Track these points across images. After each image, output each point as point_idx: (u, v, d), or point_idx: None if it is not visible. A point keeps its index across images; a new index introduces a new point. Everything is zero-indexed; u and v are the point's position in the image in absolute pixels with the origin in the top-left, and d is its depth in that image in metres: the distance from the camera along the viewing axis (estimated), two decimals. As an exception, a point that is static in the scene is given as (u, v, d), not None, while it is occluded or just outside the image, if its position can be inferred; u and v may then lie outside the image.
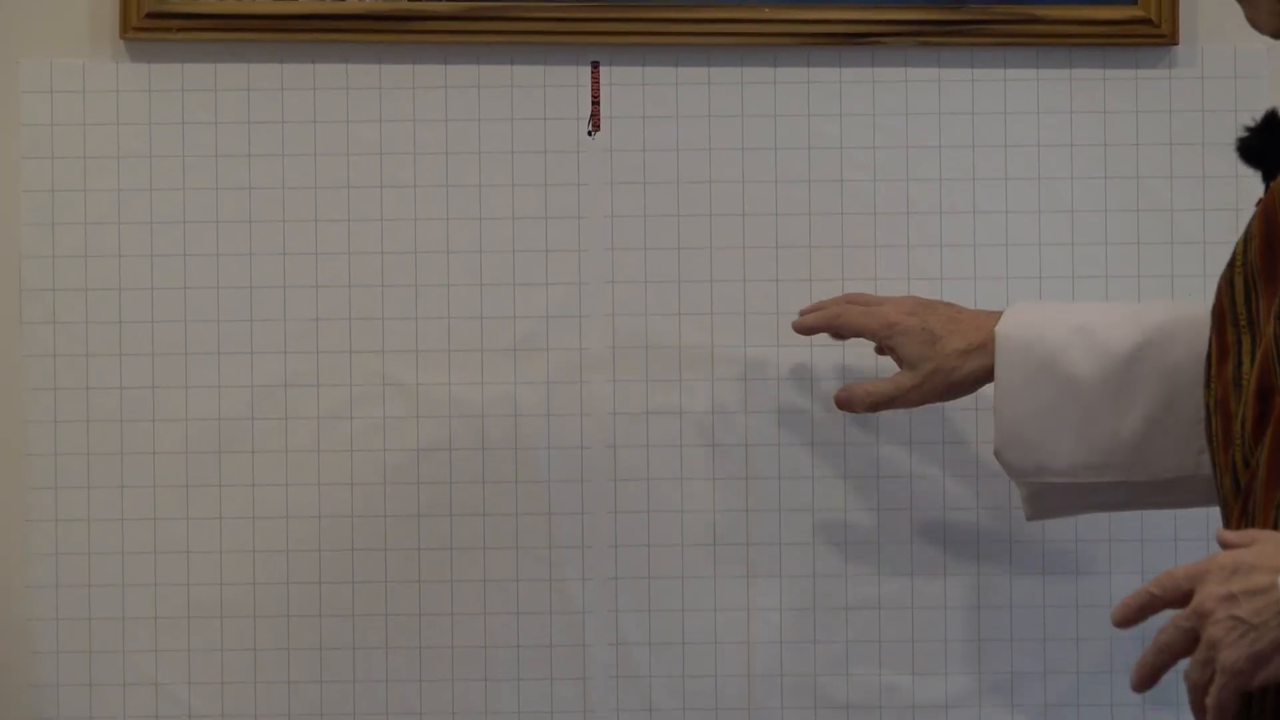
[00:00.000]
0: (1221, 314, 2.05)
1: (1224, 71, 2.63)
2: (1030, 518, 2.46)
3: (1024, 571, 2.64)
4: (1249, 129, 2.18)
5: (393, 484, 2.59)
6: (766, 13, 2.58)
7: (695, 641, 2.61)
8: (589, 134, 2.61)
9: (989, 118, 2.64)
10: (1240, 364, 2.01)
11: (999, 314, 2.44)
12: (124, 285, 2.59)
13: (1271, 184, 2.04)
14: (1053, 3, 2.61)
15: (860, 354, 2.61)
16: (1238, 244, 2.06)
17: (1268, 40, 2.67)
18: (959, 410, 2.61)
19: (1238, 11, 2.61)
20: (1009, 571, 2.62)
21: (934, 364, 2.46)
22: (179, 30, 2.56)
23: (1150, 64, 2.63)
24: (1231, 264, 2.05)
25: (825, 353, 2.60)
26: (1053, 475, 2.38)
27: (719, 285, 2.61)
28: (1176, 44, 2.62)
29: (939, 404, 2.53)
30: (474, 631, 2.59)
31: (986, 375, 2.45)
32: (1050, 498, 2.41)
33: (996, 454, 2.42)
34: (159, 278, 2.59)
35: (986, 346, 2.43)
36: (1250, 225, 2.04)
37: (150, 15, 2.53)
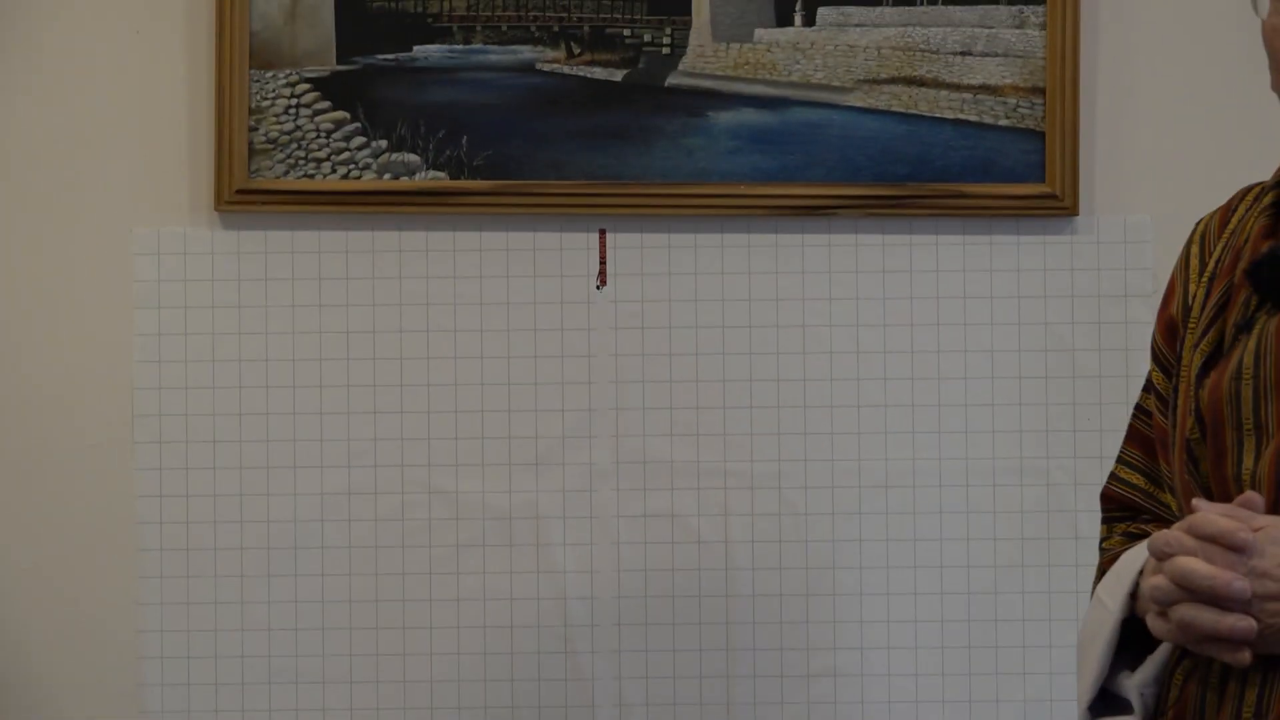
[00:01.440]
0: (1221, 421, 1.98)
1: (1116, 237, 2.84)
2: None
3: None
4: (1257, 263, 2.02)
5: (437, 574, 2.83)
6: (743, 189, 2.83)
7: (684, 703, 2.86)
8: (597, 288, 2.85)
9: (924, 275, 2.86)
10: (1240, 461, 1.96)
11: None
12: (217, 411, 2.82)
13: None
14: (976, 181, 2.84)
15: (823, 467, 2.85)
16: (1245, 359, 1.98)
17: (1152, 211, 2.86)
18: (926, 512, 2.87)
19: (1129, 187, 2.77)
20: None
21: None
22: (263, 204, 2.81)
23: (1055, 231, 2.85)
24: (1239, 376, 1.98)
25: (792, 466, 2.85)
26: None
27: (704, 412, 2.85)
28: (1077, 215, 2.83)
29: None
30: (503, 694, 2.84)
31: None
32: None
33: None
34: (246, 405, 2.82)
35: None
36: (1262, 343, 1.97)
37: (239, 191, 2.79)
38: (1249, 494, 1.86)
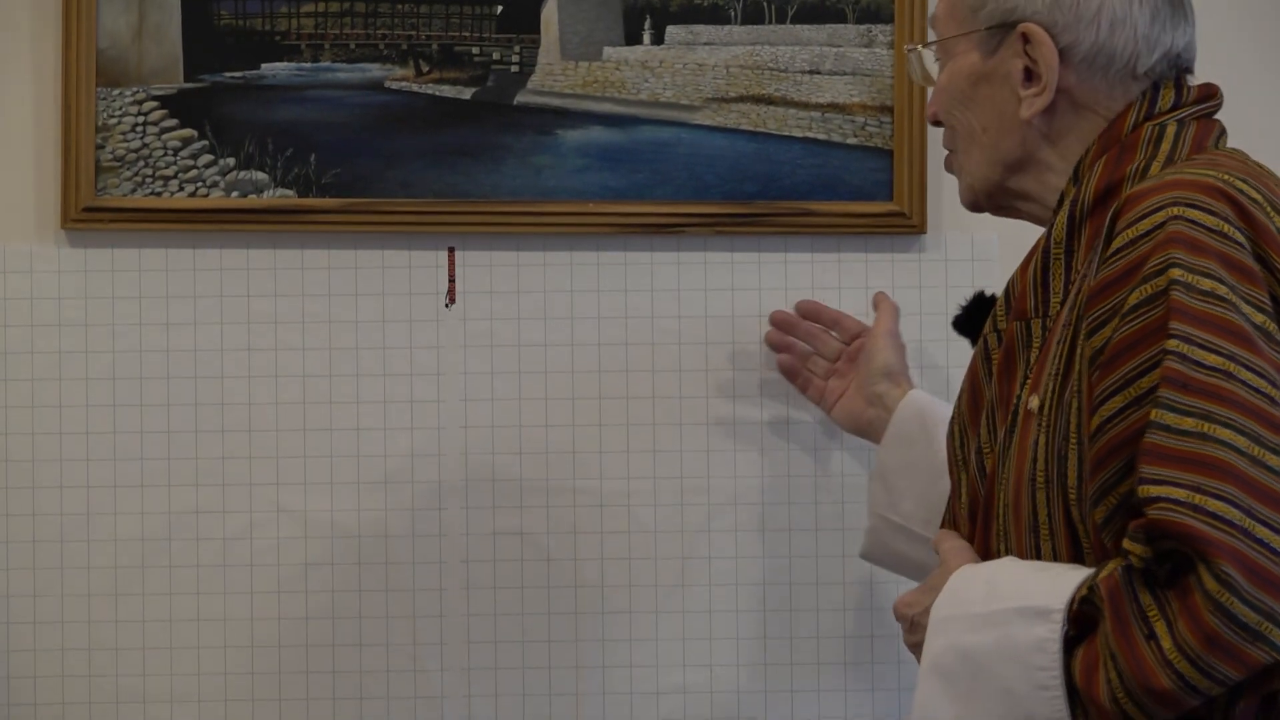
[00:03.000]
0: (951, 459, 2.21)
1: (963, 255, 2.88)
2: (863, 554, 2.71)
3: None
4: (961, 307, 2.38)
5: (285, 593, 2.83)
6: (591, 207, 2.85)
7: None
8: (446, 306, 2.86)
9: (773, 292, 2.88)
10: (961, 496, 2.18)
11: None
12: (64, 430, 2.81)
13: (975, 350, 2.21)
14: (824, 199, 2.86)
15: (672, 484, 2.87)
16: (956, 400, 2.23)
17: (999, 228, 2.88)
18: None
19: None
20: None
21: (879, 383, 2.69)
22: (110, 221, 2.81)
23: (903, 249, 2.88)
24: (952, 417, 2.23)
25: (641, 483, 2.87)
26: (895, 514, 2.63)
27: (552, 429, 2.86)
28: (925, 233, 2.86)
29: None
30: (351, 713, 2.84)
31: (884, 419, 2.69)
32: (885, 535, 2.65)
33: (869, 481, 2.70)
34: (92, 424, 2.81)
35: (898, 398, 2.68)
36: (962, 383, 2.21)
37: (86, 209, 2.79)
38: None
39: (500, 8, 2.87)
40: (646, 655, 2.88)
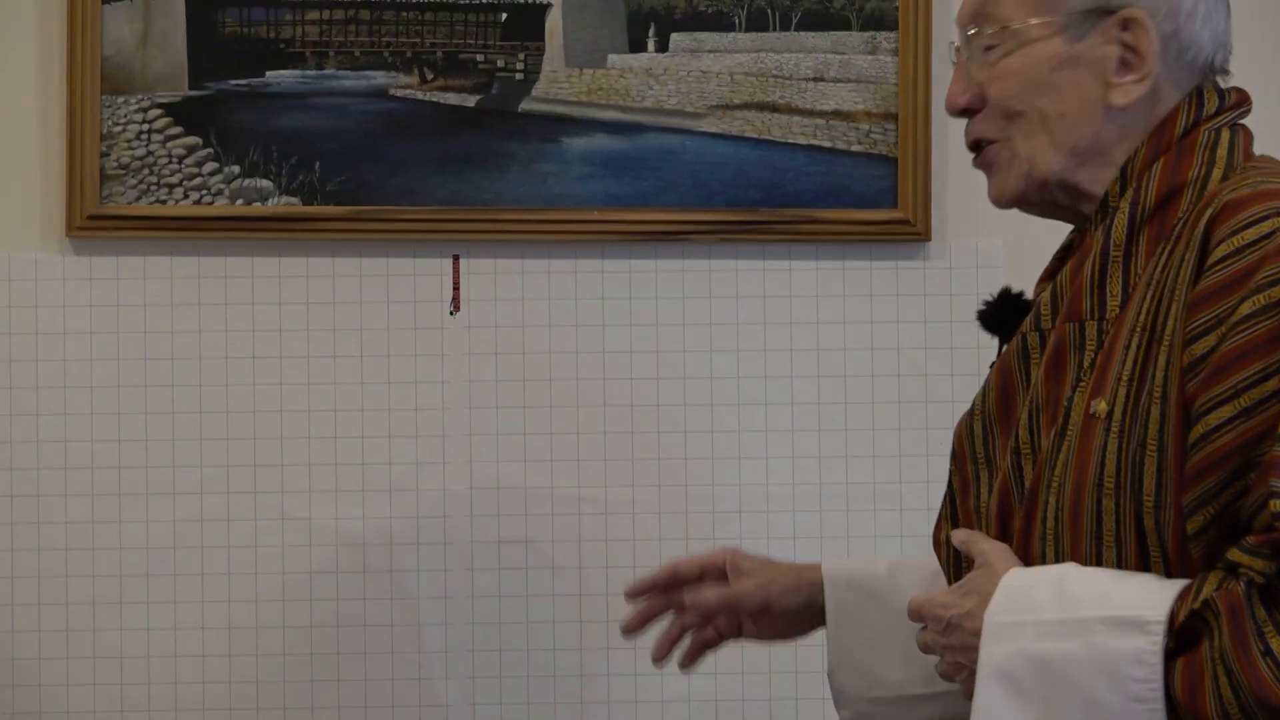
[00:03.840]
0: (962, 456, 2.17)
1: (968, 262, 2.90)
2: None
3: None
4: (987, 303, 2.29)
5: (290, 601, 2.87)
6: (596, 215, 2.88)
7: None
8: (451, 314, 2.89)
9: (777, 300, 2.92)
10: (979, 495, 2.14)
11: (813, 564, 2.43)
12: (69, 438, 2.85)
13: (1005, 347, 2.18)
14: (829, 206, 2.89)
15: (677, 492, 2.89)
16: (976, 397, 2.18)
17: (1004, 236, 2.92)
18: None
19: (981, 212, 2.77)
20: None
21: (773, 584, 2.39)
22: (115, 229, 2.84)
23: (908, 257, 2.91)
24: (971, 413, 2.18)
25: (645, 492, 2.89)
26: (883, 690, 2.44)
27: (557, 437, 2.89)
28: (929, 240, 2.89)
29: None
30: None
31: (817, 609, 2.41)
32: (880, 715, 2.46)
33: (830, 676, 2.43)
34: (97, 431, 2.85)
35: (816, 583, 2.42)
36: (987, 380, 2.17)
37: (91, 217, 2.82)
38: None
39: (505, 15, 2.90)
40: (650, 663, 2.87)
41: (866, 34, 2.88)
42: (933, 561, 2.20)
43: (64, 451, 2.86)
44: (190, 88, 2.85)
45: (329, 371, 2.89)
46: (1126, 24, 2.08)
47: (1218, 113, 2.10)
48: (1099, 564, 1.99)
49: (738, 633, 2.45)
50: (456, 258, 2.89)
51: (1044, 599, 1.97)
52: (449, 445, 2.89)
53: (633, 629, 2.44)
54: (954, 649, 2.04)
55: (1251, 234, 1.91)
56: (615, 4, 2.91)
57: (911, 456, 2.90)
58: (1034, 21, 2.12)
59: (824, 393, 2.92)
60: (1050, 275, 2.16)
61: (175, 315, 2.87)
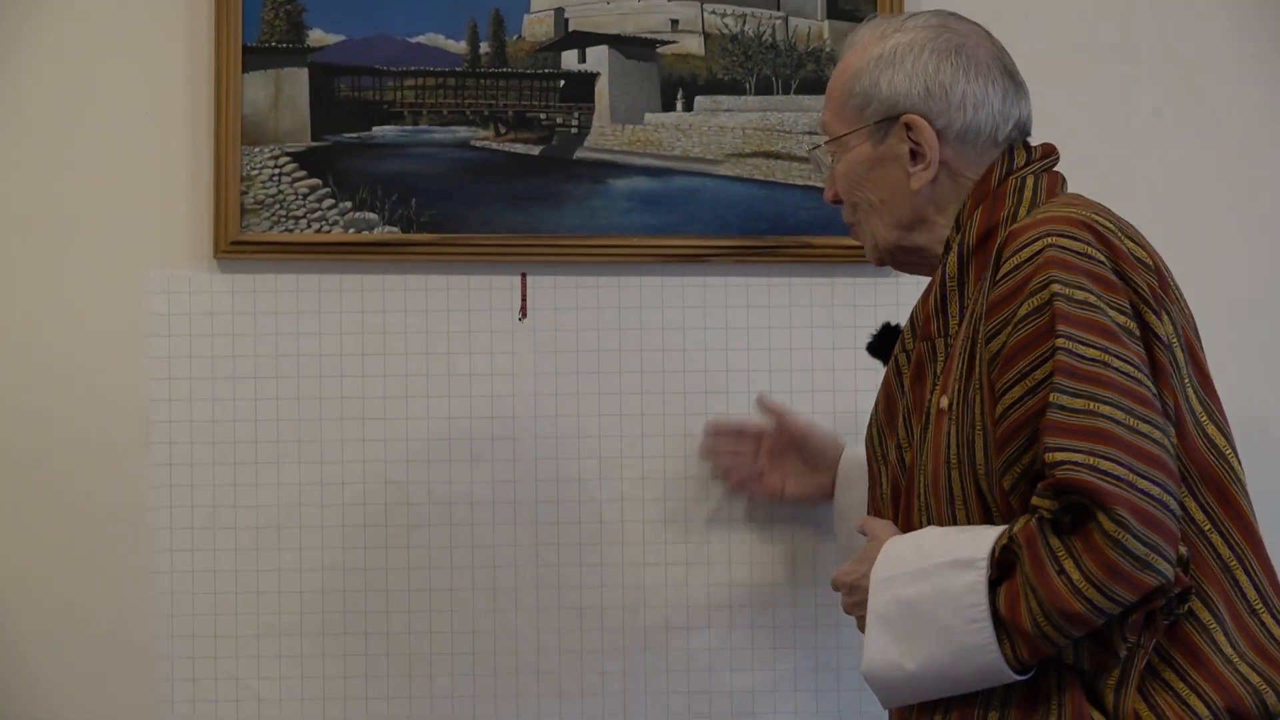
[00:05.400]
0: (869, 455, 2.37)
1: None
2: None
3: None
4: (873, 335, 2.49)
5: (391, 548, 3.08)
6: (635, 241, 3.10)
7: (590, 651, 3.08)
8: (519, 320, 3.09)
9: (779, 309, 3.13)
10: (882, 485, 2.32)
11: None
12: (216, 418, 3.05)
13: (887, 368, 2.37)
14: (821, 234, 3.11)
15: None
16: (873, 407, 2.37)
17: None
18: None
19: None
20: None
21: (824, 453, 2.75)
22: (253, 253, 3.06)
23: (883, 274, 3.06)
24: (870, 421, 2.38)
25: (673, 463, 3.08)
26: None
27: (604, 419, 3.10)
28: None
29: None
30: (444, 642, 3.06)
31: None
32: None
33: (835, 526, 2.73)
34: (238, 413, 3.06)
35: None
36: (878, 393, 2.37)
37: (234, 242, 3.05)
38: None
39: (563, 81, 3.12)
40: (693, 595, 3.11)
41: (853, 96, 3.13)
42: None
43: (211, 429, 3.05)
44: (312, 139, 3.08)
45: (422, 365, 3.07)
46: (909, 126, 2.28)
47: (1025, 165, 2.28)
48: (955, 524, 2.16)
49: (779, 492, 2.82)
50: (524, 275, 3.09)
51: (908, 555, 2.13)
52: (518, 424, 3.09)
53: (706, 455, 2.84)
54: (857, 605, 2.22)
55: (1026, 253, 2.08)
56: (651, 73, 3.14)
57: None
58: (850, 132, 2.35)
59: (816, 382, 3.13)
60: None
61: (301, 321, 3.07)
